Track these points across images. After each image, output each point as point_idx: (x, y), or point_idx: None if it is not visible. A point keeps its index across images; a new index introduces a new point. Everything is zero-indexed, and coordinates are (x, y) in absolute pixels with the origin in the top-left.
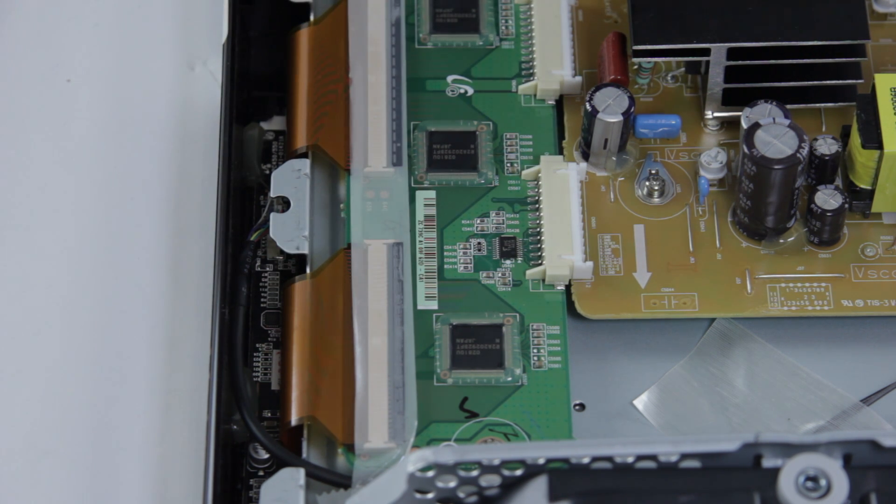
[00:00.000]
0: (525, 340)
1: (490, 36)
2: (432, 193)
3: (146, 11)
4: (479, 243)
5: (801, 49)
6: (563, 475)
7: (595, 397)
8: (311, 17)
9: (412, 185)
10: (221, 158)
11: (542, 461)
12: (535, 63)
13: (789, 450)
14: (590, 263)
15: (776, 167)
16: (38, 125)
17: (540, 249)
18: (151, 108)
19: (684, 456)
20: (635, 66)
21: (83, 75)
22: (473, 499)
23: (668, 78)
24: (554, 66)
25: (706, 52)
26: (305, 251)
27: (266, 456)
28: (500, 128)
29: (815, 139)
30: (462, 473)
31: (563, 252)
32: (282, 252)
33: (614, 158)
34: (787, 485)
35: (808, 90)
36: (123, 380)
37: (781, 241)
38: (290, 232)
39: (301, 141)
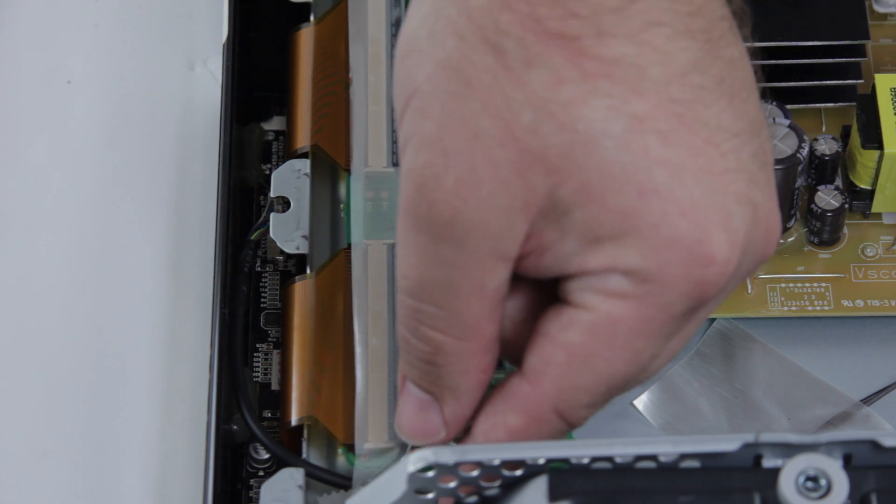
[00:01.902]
0: None
1: None
2: None
3: (146, 11)
4: None
5: (801, 49)
6: (563, 475)
7: None
8: (312, 17)
9: None
10: (221, 158)
11: (542, 461)
12: None
13: (789, 450)
14: None
15: (776, 167)
16: (39, 126)
17: None
18: (151, 108)
19: (684, 456)
20: None
21: (83, 76)
22: (473, 499)
23: None
24: None
25: None
26: (305, 251)
27: (266, 456)
28: None
29: (815, 139)
30: (462, 473)
31: None
32: (282, 252)
33: None
34: (787, 485)
35: (808, 90)
36: (123, 380)
37: (781, 241)
38: (290, 232)
39: (301, 141)
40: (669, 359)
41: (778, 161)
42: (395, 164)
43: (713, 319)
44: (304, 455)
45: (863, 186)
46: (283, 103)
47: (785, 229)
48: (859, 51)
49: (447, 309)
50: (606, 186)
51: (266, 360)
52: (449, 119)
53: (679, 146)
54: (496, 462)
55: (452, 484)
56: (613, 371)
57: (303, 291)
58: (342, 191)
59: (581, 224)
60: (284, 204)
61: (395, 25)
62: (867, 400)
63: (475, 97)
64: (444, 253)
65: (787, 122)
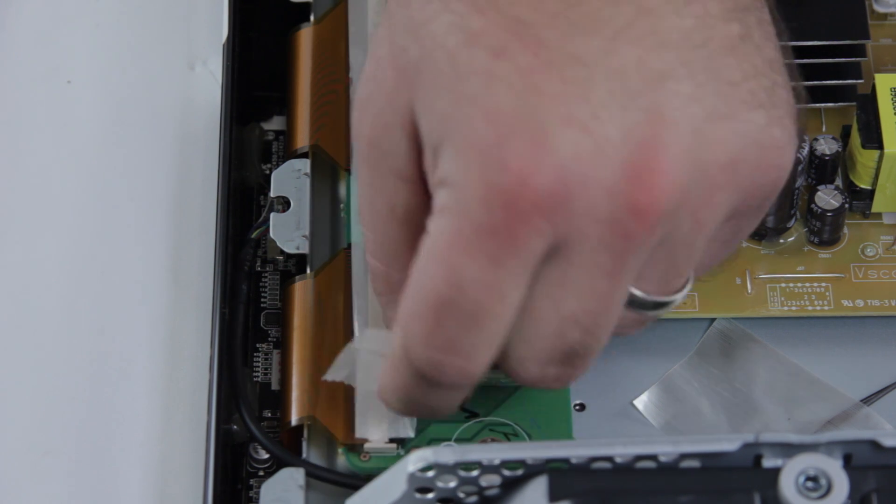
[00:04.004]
0: None
1: None
2: None
3: (146, 11)
4: None
5: (801, 49)
6: (563, 475)
7: (595, 397)
8: (312, 17)
9: None
10: (221, 158)
11: (542, 461)
12: None
13: (789, 450)
14: None
15: None
16: (39, 126)
17: None
18: (151, 108)
19: (684, 456)
20: None
21: (83, 76)
22: (473, 499)
23: None
24: None
25: None
26: (305, 251)
27: (266, 456)
28: None
29: (815, 139)
30: (462, 473)
31: None
32: (282, 252)
33: None
34: (787, 485)
35: (808, 90)
36: (123, 380)
37: (781, 241)
38: (290, 232)
39: (301, 141)
40: (507, 299)
41: None
42: None
43: (713, 319)
44: (304, 455)
45: (863, 186)
46: (283, 103)
47: (785, 229)
48: (859, 51)
49: (373, 232)
50: (435, 94)
51: (266, 360)
52: (370, 54)
53: (510, 62)
54: (496, 462)
55: (452, 484)
56: (431, 286)
57: (303, 291)
58: (342, 191)
59: (425, 134)
60: (284, 204)
61: None
62: (867, 400)
63: (384, 28)
64: (362, 173)
65: None
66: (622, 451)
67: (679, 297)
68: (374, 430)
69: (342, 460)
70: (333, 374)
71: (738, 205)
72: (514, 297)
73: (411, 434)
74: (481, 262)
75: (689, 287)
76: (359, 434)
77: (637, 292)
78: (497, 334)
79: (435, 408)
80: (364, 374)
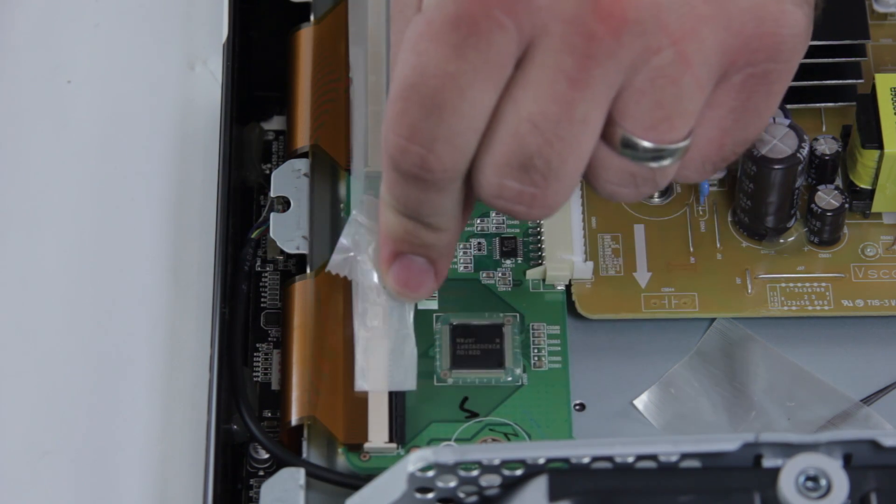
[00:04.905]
0: (525, 340)
1: None
2: None
3: (146, 11)
4: (479, 243)
5: None
6: (563, 475)
7: (595, 397)
8: (312, 17)
9: None
10: (221, 158)
11: (542, 461)
12: None
13: (789, 450)
14: (590, 263)
15: (776, 167)
16: (39, 126)
17: (540, 249)
18: (151, 108)
19: (684, 456)
20: None
21: (83, 76)
22: (473, 499)
23: None
24: None
25: None
26: (305, 251)
27: (266, 456)
28: None
29: (815, 139)
30: (462, 473)
31: (564, 252)
32: (282, 252)
33: None
34: (787, 485)
35: (808, 90)
36: (124, 380)
37: (781, 241)
38: (290, 232)
39: (301, 141)
40: (467, 95)
41: (778, 161)
42: None
43: (713, 319)
44: (304, 455)
45: (863, 186)
46: (283, 103)
47: (785, 229)
48: (859, 51)
49: None
50: None
51: (266, 360)
52: None
53: None
54: (496, 462)
55: (452, 483)
56: (401, 72)
57: (303, 291)
58: (342, 191)
59: None
60: (284, 204)
61: None
62: (867, 400)
63: None
64: (391, 30)
65: (787, 122)
66: (622, 451)
67: (672, 148)
68: (374, 380)
69: (342, 460)
70: (335, 264)
71: (733, 56)
72: (475, 97)
73: (412, 385)
74: (445, 51)
75: (686, 142)
76: (358, 383)
77: (626, 133)
78: (458, 133)
79: (420, 212)
80: (360, 304)
